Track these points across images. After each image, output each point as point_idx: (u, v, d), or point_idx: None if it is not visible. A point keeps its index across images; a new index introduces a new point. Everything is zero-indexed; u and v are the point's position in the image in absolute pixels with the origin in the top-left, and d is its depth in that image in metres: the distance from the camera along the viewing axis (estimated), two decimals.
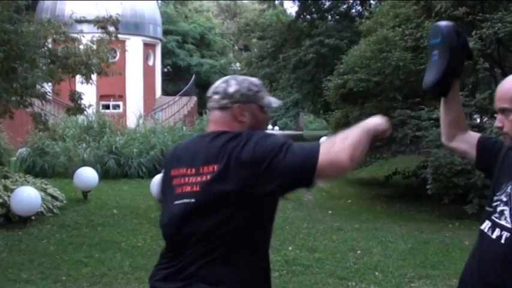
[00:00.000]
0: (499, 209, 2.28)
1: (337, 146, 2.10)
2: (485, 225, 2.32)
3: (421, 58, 10.89)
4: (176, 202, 2.28)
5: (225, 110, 2.35)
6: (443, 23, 2.54)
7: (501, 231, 2.22)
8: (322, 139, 21.09)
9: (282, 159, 2.10)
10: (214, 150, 2.24)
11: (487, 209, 2.36)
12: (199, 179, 2.24)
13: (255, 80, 2.45)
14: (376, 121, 2.29)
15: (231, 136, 2.25)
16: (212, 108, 2.41)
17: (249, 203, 2.20)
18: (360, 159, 2.13)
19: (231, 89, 2.36)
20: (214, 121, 2.39)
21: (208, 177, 2.21)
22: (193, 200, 2.23)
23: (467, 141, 2.61)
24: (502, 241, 2.19)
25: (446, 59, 2.45)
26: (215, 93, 2.40)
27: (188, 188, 2.26)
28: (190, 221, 2.24)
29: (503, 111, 2.26)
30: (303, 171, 2.11)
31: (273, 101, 2.44)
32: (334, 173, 2.14)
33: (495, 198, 2.32)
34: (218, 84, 2.44)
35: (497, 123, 2.31)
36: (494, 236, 2.24)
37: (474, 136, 2.63)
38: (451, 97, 2.58)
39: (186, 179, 2.28)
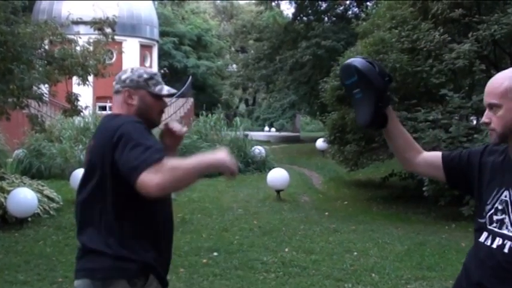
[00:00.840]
0: (495, 218, 2.22)
1: (162, 172, 2.28)
2: (483, 237, 2.25)
3: (418, 60, 10.90)
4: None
5: (118, 94, 2.75)
6: (352, 61, 2.43)
7: (503, 241, 2.16)
8: (319, 141, 21.12)
9: (121, 152, 2.40)
10: (98, 127, 2.72)
11: (479, 220, 2.31)
12: (87, 151, 2.72)
13: (150, 70, 2.84)
14: (216, 160, 2.43)
15: (111, 117, 2.68)
16: (113, 92, 2.78)
17: (107, 177, 2.51)
18: (172, 190, 2.44)
19: (124, 76, 2.74)
20: (112, 104, 2.79)
21: (88, 150, 2.70)
22: (83, 170, 2.71)
23: (431, 164, 2.54)
24: (505, 250, 2.14)
25: (373, 93, 2.37)
26: (114, 80, 2.79)
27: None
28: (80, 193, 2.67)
29: (492, 107, 2.22)
30: (128, 176, 2.34)
31: (165, 89, 2.75)
32: (144, 192, 2.32)
33: (487, 207, 2.27)
34: (119, 73, 2.80)
35: (484, 119, 2.26)
36: (495, 246, 2.18)
37: (436, 155, 2.55)
38: (391, 124, 2.48)
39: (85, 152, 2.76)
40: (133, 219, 2.56)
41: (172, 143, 2.92)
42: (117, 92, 2.74)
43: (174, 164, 2.31)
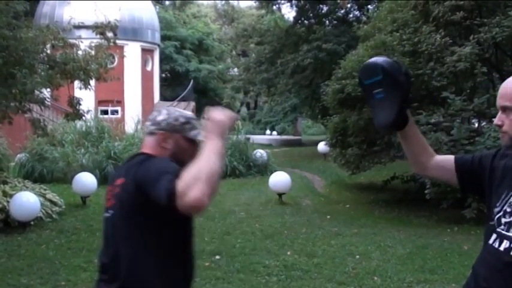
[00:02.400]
0: (503, 220, 2.21)
1: (192, 189, 2.10)
2: (492, 239, 2.24)
3: (419, 63, 10.91)
4: (105, 214, 2.64)
5: (152, 136, 2.66)
6: (377, 59, 2.38)
7: (510, 243, 2.15)
8: (321, 144, 21.13)
9: (152, 186, 2.30)
10: (127, 166, 2.62)
11: (490, 222, 2.29)
12: (114, 191, 2.58)
13: (187, 113, 2.72)
14: (220, 127, 2.29)
15: (142, 157, 2.57)
16: (144, 133, 2.75)
17: (142, 212, 2.45)
18: (216, 190, 2.19)
19: (160, 118, 2.66)
20: (144, 144, 2.70)
21: (118, 189, 2.55)
22: (112, 212, 2.59)
23: (443, 167, 2.53)
24: None
25: (399, 93, 2.33)
26: (148, 120, 2.71)
27: (111, 201, 2.60)
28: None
29: (505, 109, 2.21)
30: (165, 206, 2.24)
31: (199, 135, 2.62)
32: (194, 213, 2.23)
33: (495, 210, 2.25)
34: (154, 113, 2.73)
35: (496, 121, 2.25)
36: (502, 248, 2.18)
37: (448, 159, 2.54)
38: (409, 126, 2.45)
39: (110, 193, 2.62)
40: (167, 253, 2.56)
41: None
42: (151, 133, 2.67)
43: (193, 169, 2.15)
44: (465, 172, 2.46)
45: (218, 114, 2.32)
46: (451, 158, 2.54)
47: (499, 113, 2.25)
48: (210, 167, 2.15)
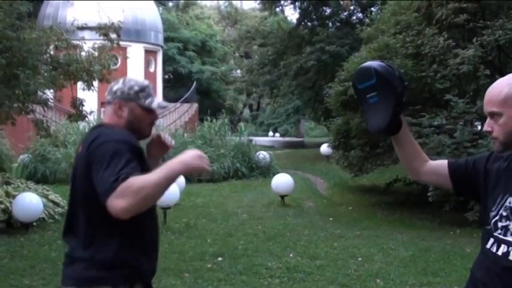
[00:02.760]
0: (500, 224, 2.20)
1: (127, 195, 2.28)
2: (490, 243, 2.24)
3: (422, 65, 10.91)
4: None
5: (109, 105, 2.75)
6: (371, 63, 2.36)
7: (508, 247, 2.14)
8: (323, 146, 21.13)
9: (97, 171, 2.42)
10: (88, 134, 2.69)
11: (486, 227, 2.28)
12: (75, 156, 2.76)
13: (142, 82, 2.79)
14: (184, 166, 2.42)
15: (100, 128, 2.67)
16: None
17: (91, 189, 2.47)
18: (140, 210, 2.34)
19: (115, 87, 2.74)
20: (104, 114, 2.79)
21: (75, 155, 2.75)
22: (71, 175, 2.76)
23: (437, 172, 2.52)
24: (510, 257, 2.13)
25: (393, 97, 2.31)
26: (107, 90, 2.79)
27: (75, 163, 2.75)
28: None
29: (493, 115, 2.19)
30: (100, 198, 2.36)
31: (155, 102, 2.73)
32: (113, 215, 2.33)
33: (491, 214, 2.24)
34: (112, 83, 2.82)
35: (486, 128, 2.24)
36: (500, 253, 2.17)
37: (442, 164, 2.52)
38: (402, 131, 2.44)
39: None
40: (121, 229, 2.55)
41: (158, 154, 2.98)
42: (108, 102, 2.75)
43: (140, 183, 2.30)
44: (459, 177, 2.46)
45: (191, 157, 2.44)
46: (444, 162, 2.53)
47: (488, 120, 2.24)
48: (152, 191, 2.32)
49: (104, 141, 2.50)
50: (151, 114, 2.76)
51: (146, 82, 2.80)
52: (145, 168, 2.49)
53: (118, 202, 2.27)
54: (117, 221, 2.38)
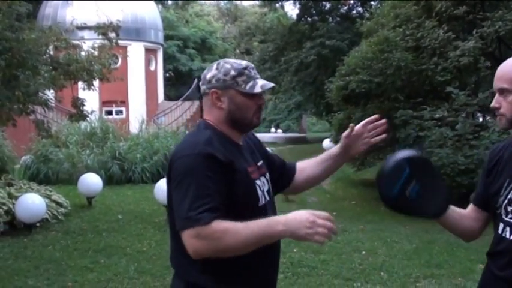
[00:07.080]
0: (510, 208, 2.19)
1: (204, 239, 2.02)
2: (501, 229, 2.22)
3: (423, 58, 10.91)
4: None
5: (206, 96, 2.36)
6: (394, 157, 2.25)
7: None
8: (326, 141, 21.11)
9: (174, 192, 2.17)
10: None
11: (496, 211, 2.26)
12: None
13: (239, 64, 2.34)
14: (287, 233, 2.05)
15: (185, 136, 2.42)
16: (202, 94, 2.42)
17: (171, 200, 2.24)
18: (215, 256, 2.08)
19: (209, 75, 2.34)
20: (203, 107, 2.40)
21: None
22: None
23: (478, 219, 2.43)
24: None
25: (435, 174, 2.29)
26: (201, 78, 2.40)
27: None
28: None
29: (502, 91, 2.19)
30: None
31: (258, 86, 2.31)
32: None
33: (500, 199, 2.22)
34: (205, 70, 2.41)
35: (494, 104, 2.22)
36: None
37: (472, 211, 2.46)
38: (450, 211, 2.39)
39: None
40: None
41: (356, 151, 2.76)
42: (204, 93, 2.36)
43: (227, 229, 2.01)
44: (487, 204, 2.36)
45: (299, 222, 2.03)
46: (472, 208, 2.47)
47: (496, 96, 2.23)
48: (236, 245, 2.04)
49: (179, 157, 2.20)
50: (256, 99, 2.33)
51: (244, 63, 2.36)
52: (232, 179, 2.18)
53: (193, 243, 2.02)
54: None
